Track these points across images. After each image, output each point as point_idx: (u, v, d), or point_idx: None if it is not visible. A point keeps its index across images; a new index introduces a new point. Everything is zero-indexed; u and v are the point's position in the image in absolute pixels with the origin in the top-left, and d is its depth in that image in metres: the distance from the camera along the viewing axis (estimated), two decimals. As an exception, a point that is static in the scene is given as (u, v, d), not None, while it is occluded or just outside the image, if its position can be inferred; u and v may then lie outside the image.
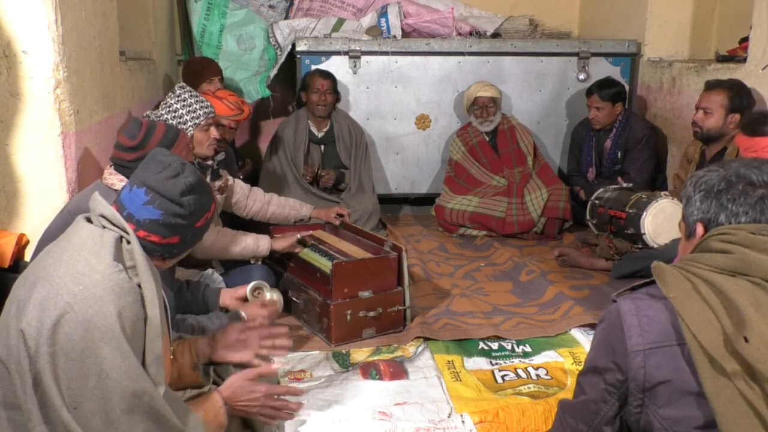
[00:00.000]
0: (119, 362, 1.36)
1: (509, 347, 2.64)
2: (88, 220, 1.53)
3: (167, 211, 1.52)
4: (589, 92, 4.22)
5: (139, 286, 1.45)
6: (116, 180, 2.13)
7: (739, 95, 3.25)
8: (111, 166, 2.20)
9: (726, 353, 1.17)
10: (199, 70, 3.88)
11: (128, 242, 1.48)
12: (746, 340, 1.14)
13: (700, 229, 1.37)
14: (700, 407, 1.22)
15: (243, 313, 2.28)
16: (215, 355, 1.88)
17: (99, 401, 1.36)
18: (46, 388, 1.35)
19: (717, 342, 1.18)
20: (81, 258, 1.42)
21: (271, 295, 2.45)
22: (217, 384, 1.85)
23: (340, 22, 4.65)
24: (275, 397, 1.75)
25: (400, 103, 4.57)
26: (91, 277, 1.39)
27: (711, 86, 3.36)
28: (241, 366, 1.88)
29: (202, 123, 2.69)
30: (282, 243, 2.89)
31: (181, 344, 1.88)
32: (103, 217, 1.49)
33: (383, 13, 4.60)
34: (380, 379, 2.36)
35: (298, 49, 4.41)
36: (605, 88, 4.16)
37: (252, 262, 2.89)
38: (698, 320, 1.20)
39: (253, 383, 1.71)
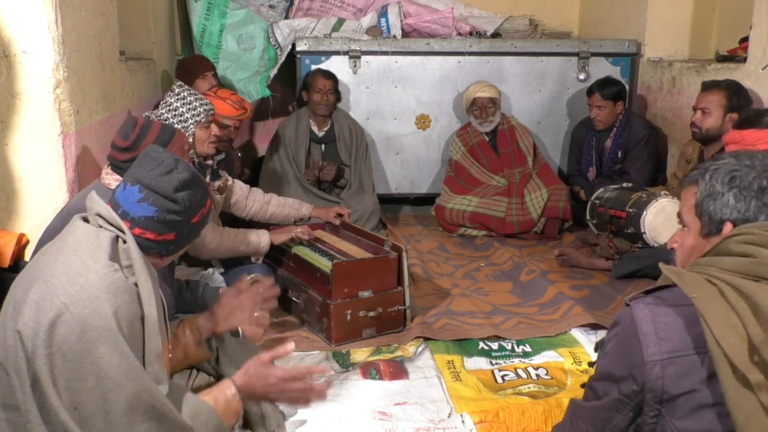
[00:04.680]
0: (117, 362, 1.36)
1: (509, 347, 2.64)
2: (85, 219, 1.53)
3: (161, 207, 1.51)
4: (590, 91, 4.22)
5: (136, 285, 1.45)
6: (112, 180, 2.12)
7: (736, 94, 3.26)
8: (108, 165, 2.19)
9: (750, 363, 1.11)
10: (191, 68, 3.92)
11: (124, 241, 1.48)
12: None
13: (728, 228, 1.29)
14: (719, 420, 1.17)
15: (240, 329, 2.28)
16: (218, 327, 1.91)
17: (98, 401, 1.36)
18: (44, 389, 1.35)
19: (741, 350, 1.12)
20: (77, 258, 1.42)
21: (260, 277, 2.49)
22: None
23: (340, 22, 4.65)
24: (296, 379, 1.67)
25: (400, 103, 4.57)
26: (87, 277, 1.39)
27: (708, 86, 3.37)
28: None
29: (202, 120, 2.70)
30: (281, 237, 2.92)
31: (180, 325, 1.89)
32: (100, 216, 1.49)
33: (383, 13, 4.60)
34: (380, 379, 2.35)
35: (298, 49, 4.41)
36: (607, 87, 4.17)
37: (253, 260, 2.90)
38: (722, 325, 1.14)
39: (268, 367, 1.65)
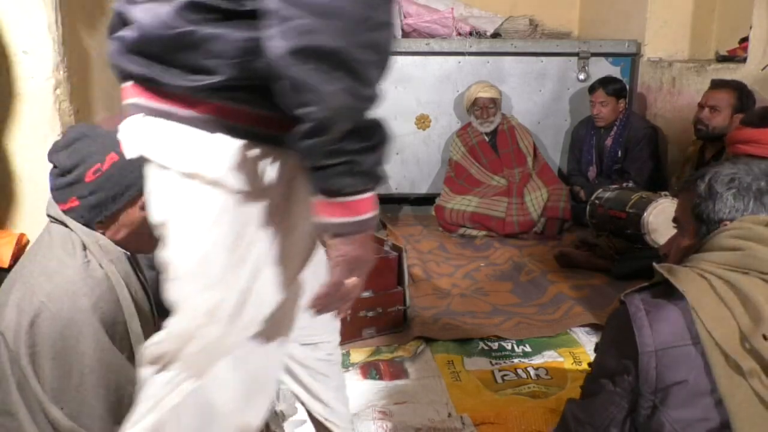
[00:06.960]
0: (99, 355, 1.36)
1: (509, 347, 2.64)
2: None
3: (52, 174, 1.49)
4: (593, 88, 4.22)
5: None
6: None
7: (746, 96, 3.25)
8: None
9: (742, 351, 1.14)
10: None
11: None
12: (765, 337, 1.13)
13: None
14: (713, 408, 1.19)
15: None
16: None
17: (85, 397, 1.36)
18: (31, 389, 1.35)
19: (733, 339, 1.15)
20: (53, 256, 1.42)
21: None
22: None
23: (340, 22, 4.64)
24: None
25: (400, 103, 4.57)
26: (62, 274, 1.39)
27: (718, 84, 3.35)
28: None
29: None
30: None
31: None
32: (48, 215, 1.49)
33: (383, 13, 4.59)
34: (380, 379, 2.36)
35: (298, 49, 4.40)
36: (610, 84, 4.18)
37: None
38: (713, 316, 1.18)
39: None
